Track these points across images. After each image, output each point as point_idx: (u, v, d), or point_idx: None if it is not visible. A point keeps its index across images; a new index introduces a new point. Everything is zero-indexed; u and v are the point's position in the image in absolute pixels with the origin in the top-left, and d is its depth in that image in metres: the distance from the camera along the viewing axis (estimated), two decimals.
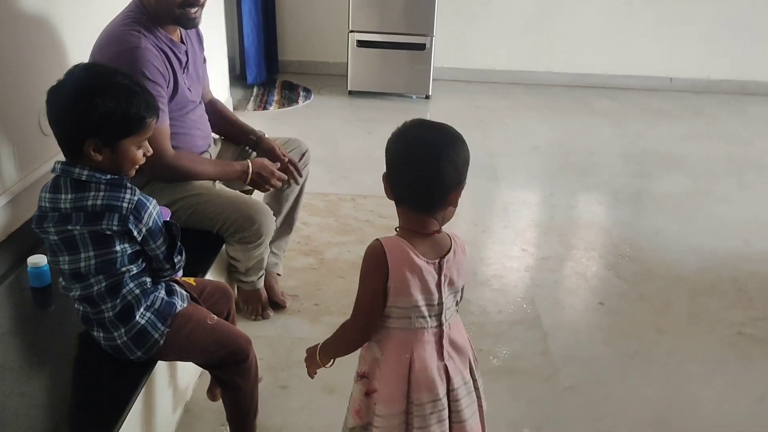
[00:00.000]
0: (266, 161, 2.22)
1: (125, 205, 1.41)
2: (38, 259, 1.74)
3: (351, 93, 5.05)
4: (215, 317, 1.64)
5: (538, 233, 3.18)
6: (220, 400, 1.76)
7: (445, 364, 1.35)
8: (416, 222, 1.30)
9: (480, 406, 1.44)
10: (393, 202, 1.33)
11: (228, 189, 2.19)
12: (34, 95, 2.08)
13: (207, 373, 1.83)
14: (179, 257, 1.54)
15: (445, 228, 1.34)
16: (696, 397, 2.14)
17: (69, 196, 1.41)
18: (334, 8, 5.24)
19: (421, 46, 4.85)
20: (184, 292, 1.63)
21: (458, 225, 3.15)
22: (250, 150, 2.40)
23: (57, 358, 1.59)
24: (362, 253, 1.31)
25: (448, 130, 1.31)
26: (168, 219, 1.56)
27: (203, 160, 2.17)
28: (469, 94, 5.29)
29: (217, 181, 2.19)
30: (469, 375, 1.41)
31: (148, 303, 1.51)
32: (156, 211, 1.47)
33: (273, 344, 2.25)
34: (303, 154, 2.45)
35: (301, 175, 2.36)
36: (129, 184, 1.44)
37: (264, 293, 2.38)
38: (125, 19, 1.97)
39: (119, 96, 1.38)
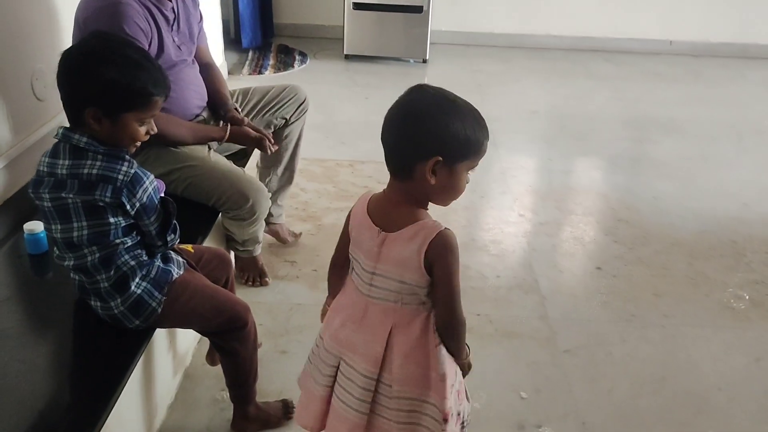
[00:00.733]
0: (248, 131, 2.18)
1: (120, 177, 1.38)
2: (34, 226, 1.72)
3: (347, 57, 4.98)
4: (212, 284, 1.64)
5: (536, 198, 3.17)
6: (220, 365, 1.77)
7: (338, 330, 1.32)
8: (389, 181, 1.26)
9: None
10: None
11: (224, 161, 2.16)
12: (26, 59, 2.05)
13: (206, 338, 1.83)
14: (172, 236, 1.52)
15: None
16: (693, 358, 2.15)
17: (66, 162, 1.39)
18: None
19: (418, 9, 4.77)
20: (181, 259, 1.62)
21: None
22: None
23: (56, 325, 1.59)
24: None
25: (435, 99, 1.19)
26: (163, 194, 1.54)
27: (179, 122, 2.08)
28: (468, 58, 5.22)
29: (212, 150, 2.16)
30: (368, 382, 1.29)
31: (144, 273, 1.50)
32: (153, 187, 1.45)
33: (272, 310, 2.25)
34: (300, 105, 2.44)
35: (274, 147, 2.27)
36: (128, 157, 1.42)
37: (261, 260, 2.38)
38: None
39: (126, 67, 1.36)
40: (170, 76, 2.05)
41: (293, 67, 4.79)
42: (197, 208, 2.06)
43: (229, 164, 2.17)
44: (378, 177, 3.16)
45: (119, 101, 1.37)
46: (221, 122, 2.25)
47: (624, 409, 1.94)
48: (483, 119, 1.22)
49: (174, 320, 1.61)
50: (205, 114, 2.27)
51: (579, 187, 3.35)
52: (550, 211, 3.04)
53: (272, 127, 2.41)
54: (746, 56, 5.47)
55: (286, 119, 2.44)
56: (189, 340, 1.99)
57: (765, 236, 2.88)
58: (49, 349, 1.54)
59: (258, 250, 2.33)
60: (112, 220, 1.41)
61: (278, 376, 1.96)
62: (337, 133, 3.70)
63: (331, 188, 3.10)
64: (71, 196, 1.39)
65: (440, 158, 1.16)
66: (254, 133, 2.19)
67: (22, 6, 2.02)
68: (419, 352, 1.27)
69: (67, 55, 1.39)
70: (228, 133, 2.14)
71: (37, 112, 2.12)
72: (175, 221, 1.52)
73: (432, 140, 1.16)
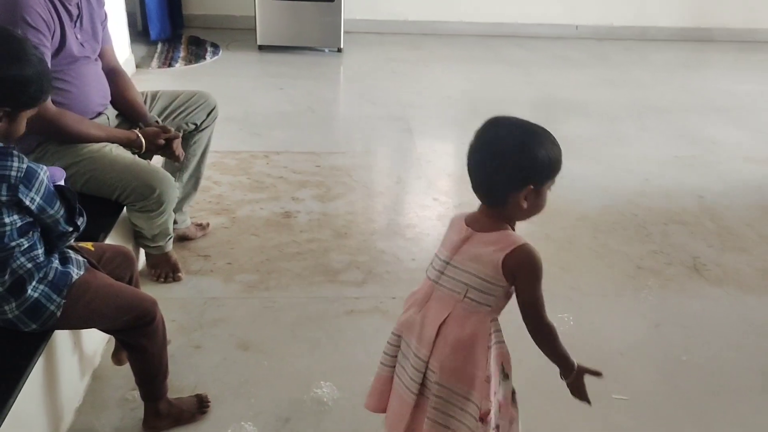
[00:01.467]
0: (158, 133, 2.17)
1: (14, 173, 1.34)
2: None
3: (261, 48, 4.92)
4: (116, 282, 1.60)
5: (451, 182, 3.23)
6: (128, 363, 1.72)
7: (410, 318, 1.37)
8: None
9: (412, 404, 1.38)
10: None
11: (125, 153, 2.11)
12: None
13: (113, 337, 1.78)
14: (81, 219, 1.50)
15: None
16: (597, 326, 2.26)
17: None
18: None
19: None
20: (81, 259, 1.57)
21: (374, 177, 3.17)
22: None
23: None
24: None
25: (516, 131, 1.29)
26: (62, 181, 1.49)
27: (90, 123, 2.06)
28: (382, 46, 5.25)
29: (113, 145, 2.11)
30: (419, 364, 1.36)
31: (41, 275, 1.46)
32: (47, 177, 1.40)
33: (185, 305, 2.21)
34: (210, 111, 2.42)
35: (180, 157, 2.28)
36: (16, 152, 1.37)
37: (173, 256, 2.33)
38: None
39: (34, 65, 1.35)
40: (72, 72, 2.04)
41: (205, 59, 4.69)
42: (97, 203, 2.00)
43: (132, 156, 2.12)
44: (293, 167, 3.14)
45: (27, 100, 1.36)
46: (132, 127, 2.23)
47: (531, 378, 2.02)
48: (555, 138, 1.32)
49: (76, 322, 1.57)
50: (108, 113, 2.20)
51: None
52: (464, 193, 3.11)
53: (181, 131, 2.36)
54: (646, 38, 5.74)
55: (196, 125, 2.41)
56: (97, 340, 1.93)
57: (663, 208, 3.05)
58: None
59: (169, 246, 2.29)
60: (7, 220, 1.37)
61: (192, 371, 1.93)
62: (251, 125, 3.65)
63: (246, 180, 3.06)
64: None
65: (532, 186, 1.26)
66: (163, 141, 2.18)
67: None
68: (469, 348, 1.32)
69: None
70: (143, 139, 2.13)
71: None
72: (78, 204, 1.49)
73: (524, 173, 1.26)
